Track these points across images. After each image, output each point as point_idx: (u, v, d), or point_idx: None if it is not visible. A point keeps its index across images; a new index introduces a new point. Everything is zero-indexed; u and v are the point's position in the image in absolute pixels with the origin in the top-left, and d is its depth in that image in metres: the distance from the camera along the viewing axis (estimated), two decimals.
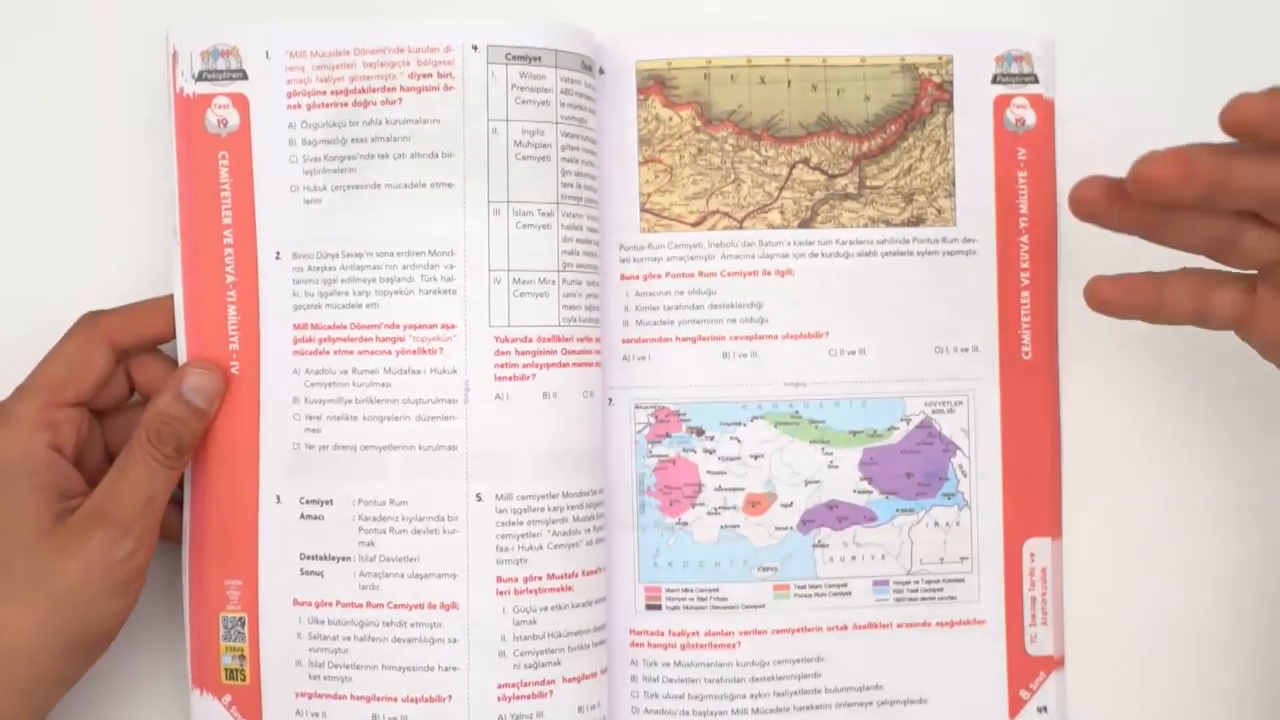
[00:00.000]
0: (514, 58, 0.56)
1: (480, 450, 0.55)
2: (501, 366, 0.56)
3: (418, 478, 0.56)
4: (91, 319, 0.56)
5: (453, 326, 0.56)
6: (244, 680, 0.57)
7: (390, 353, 0.56)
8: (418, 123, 0.56)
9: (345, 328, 0.56)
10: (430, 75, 0.56)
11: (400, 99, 0.56)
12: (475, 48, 0.56)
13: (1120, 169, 0.61)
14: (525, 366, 0.56)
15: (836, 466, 0.60)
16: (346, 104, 0.57)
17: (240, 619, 0.57)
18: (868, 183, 0.60)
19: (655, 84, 0.60)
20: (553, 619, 0.56)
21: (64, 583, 0.52)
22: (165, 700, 0.60)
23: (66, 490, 0.54)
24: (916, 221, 0.60)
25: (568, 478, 0.56)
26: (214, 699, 0.58)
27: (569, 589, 0.56)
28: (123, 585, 0.53)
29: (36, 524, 0.53)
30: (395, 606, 0.56)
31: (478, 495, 0.55)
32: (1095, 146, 0.61)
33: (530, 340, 0.56)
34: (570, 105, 0.57)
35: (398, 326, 0.56)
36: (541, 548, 0.56)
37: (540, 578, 0.56)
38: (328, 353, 0.56)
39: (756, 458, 0.60)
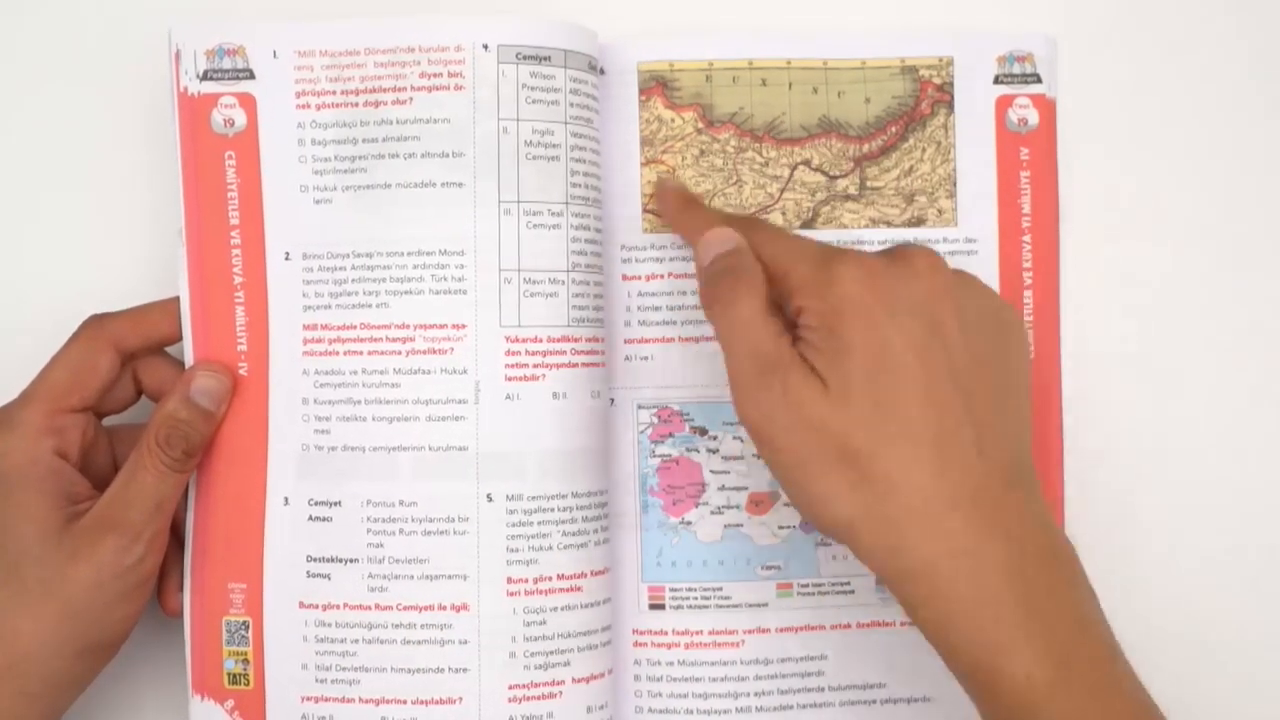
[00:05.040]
0: (524, 57, 0.56)
1: (491, 451, 0.55)
2: (512, 367, 0.55)
3: (428, 479, 0.55)
4: (96, 322, 0.56)
5: (463, 327, 0.55)
6: (248, 684, 0.57)
7: (400, 353, 0.56)
8: (428, 122, 0.56)
9: (355, 328, 0.56)
10: (441, 75, 0.56)
11: (411, 98, 0.56)
12: (486, 47, 0.56)
13: (1121, 167, 0.63)
14: (535, 367, 0.56)
15: None
16: (357, 104, 0.56)
17: (244, 622, 0.57)
18: (868, 184, 0.61)
19: (657, 85, 0.60)
20: (562, 619, 0.56)
21: (74, 589, 0.52)
22: (160, 706, 0.60)
23: (73, 495, 0.54)
24: (917, 222, 0.61)
25: (576, 478, 0.57)
26: (215, 704, 0.57)
27: (578, 589, 0.56)
28: (133, 590, 0.53)
29: (44, 530, 0.52)
30: (405, 608, 0.56)
31: (488, 496, 0.55)
32: (1097, 145, 0.62)
33: (540, 340, 0.56)
34: (578, 105, 0.57)
35: (408, 327, 0.56)
36: (551, 548, 0.56)
37: (550, 578, 0.56)
38: (337, 353, 0.56)
39: (759, 457, 0.60)
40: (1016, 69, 0.61)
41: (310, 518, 0.56)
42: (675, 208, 0.59)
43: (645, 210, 0.60)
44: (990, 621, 0.46)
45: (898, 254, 0.50)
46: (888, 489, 0.47)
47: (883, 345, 0.48)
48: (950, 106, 0.61)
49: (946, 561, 0.47)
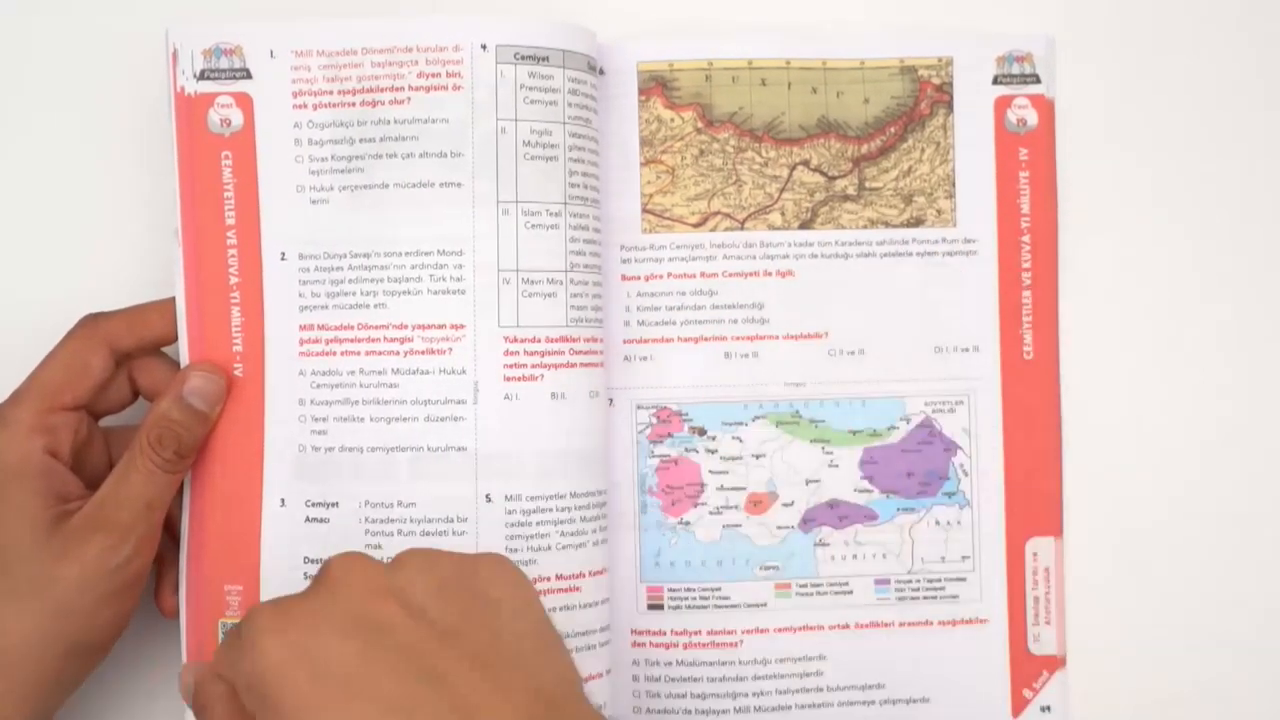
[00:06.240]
0: (522, 57, 0.56)
1: (490, 451, 0.55)
2: (510, 367, 0.55)
3: (427, 479, 0.55)
4: (92, 321, 0.55)
5: (462, 327, 0.55)
6: None
7: (398, 353, 0.56)
8: (426, 122, 0.56)
9: (352, 328, 0.56)
10: (439, 75, 0.56)
11: (409, 98, 0.56)
12: (484, 47, 0.55)
13: (1120, 167, 0.63)
14: (534, 367, 0.56)
15: (837, 466, 0.60)
16: (354, 104, 0.56)
17: None
18: (867, 184, 0.61)
19: (657, 85, 0.60)
20: (561, 620, 0.56)
21: (63, 588, 0.52)
22: (158, 706, 0.60)
23: (64, 494, 0.54)
24: (916, 222, 0.61)
25: (575, 478, 0.56)
26: None
27: (576, 589, 0.56)
28: (122, 590, 0.53)
29: (34, 528, 0.52)
30: None
31: (487, 496, 0.55)
32: (1096, 145, 0.62)
33: (539, 341, 0.56)
34: (577, 105, 0.57)
35: (406, 327, 0.56)
36: (550, 548, 0.56)
37: (549, 578, 0.56)
38: (334, 354, 0.56)
39: (758, 457, 0.60)
40: (1015, 69, 0.61)
41: (307, 519, 0.56)
42: None
43: (644, 210, 0.60)
44: None
45: (317, 579, 0.45)
46: None
47: (313, 684, 0.41)
48: (949, 107, 0.61)
49: None
